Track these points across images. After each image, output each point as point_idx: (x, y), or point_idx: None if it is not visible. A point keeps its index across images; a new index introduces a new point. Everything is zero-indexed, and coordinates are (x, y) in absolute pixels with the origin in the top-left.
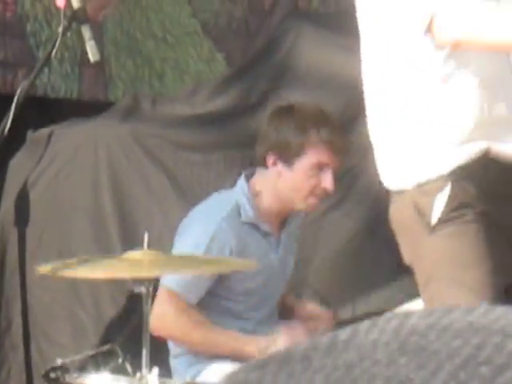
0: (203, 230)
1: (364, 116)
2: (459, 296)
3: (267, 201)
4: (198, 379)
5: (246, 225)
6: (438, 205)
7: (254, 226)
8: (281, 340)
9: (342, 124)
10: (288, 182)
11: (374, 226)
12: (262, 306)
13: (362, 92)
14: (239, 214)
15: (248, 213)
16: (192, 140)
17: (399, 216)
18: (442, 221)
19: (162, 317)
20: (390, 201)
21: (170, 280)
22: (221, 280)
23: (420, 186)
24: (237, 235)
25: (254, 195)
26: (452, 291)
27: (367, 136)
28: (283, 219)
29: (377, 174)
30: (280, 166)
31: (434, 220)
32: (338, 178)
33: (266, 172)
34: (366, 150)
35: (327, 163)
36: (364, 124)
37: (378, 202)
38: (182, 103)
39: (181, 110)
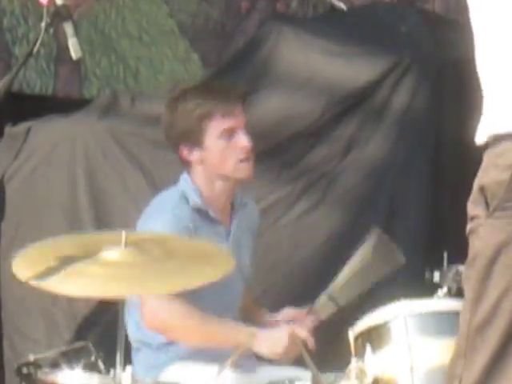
0: (162, 221)
1: (341, 120)
2: None
3: (206, 189)
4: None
5: (195, 211)
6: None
7: (203, 213)
8: (281, 334)
9: (320, 126)
10: (211, 159)
11: (350, 228)
12: (219, 306)
13: (340, 95)
14: (187, 201)
15: (194, 198)
16: None
17: None
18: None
19: (156, 307)
20: None
21: None
22: None
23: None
24: (191, 220)
25: (197, 186)
26: None
27: (344, 140)
28: (229, 207)
29: (353, 177)
30: (195, 152)
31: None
32: (314, 182)
33: (191, 168)
34: (342, 154)
35: (231, 126)
36: (341, 128)
37: (354, 204)
38: (160, 102)
39: (159, 109)
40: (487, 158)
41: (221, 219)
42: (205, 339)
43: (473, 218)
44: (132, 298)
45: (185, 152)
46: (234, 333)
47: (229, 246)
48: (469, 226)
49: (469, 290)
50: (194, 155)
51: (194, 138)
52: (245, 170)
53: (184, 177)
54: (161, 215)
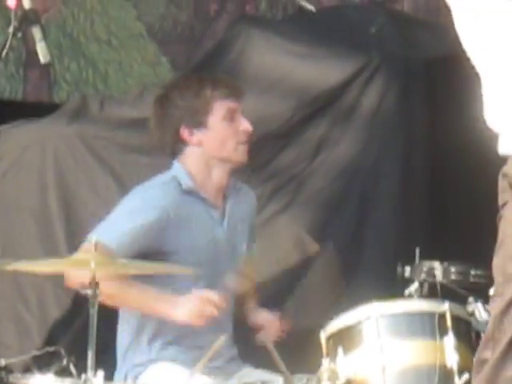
0: (137, 195)
1: (311, 121)
2: None
3: (200, 173)
4: (138, 381)
5: (187, 194)
6: None
7: (196, 196)
8: (192, 297)
9: (289, 128)
10: (212, 141)
11: (321, 230)
12: (210, 286)
13: (309, 97)
14: (179, 185)
15: (187, 181)
16: (139, 142)
17: None
18: None
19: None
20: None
21: (102, 233)
22: (161, 242)
23: None
24: (176, 203)
25: (189, 171)
26: None
27: (313, 142)
28: (223, 193)
29: (323, 179)
30: (196, 133)
31: None
32: (284, 184)
33: (185, 152)
34: (312, 156)
35: (234, 108)
36: (311, 130)
37: (324, 206)
38: (130, 106)
39: (128, 112)
40: None
41: (215, 203)
42: (125, 303)
43: (503, 205)
44: None
45: (185, 133)
46: (154, 300)
47: (223, 230)
48: (499, 214)
49: (498, 273)
50: (195, 136)
51: (198, 117)
52: (243, 153)
53: (175, 163)
54: (140, 193)
